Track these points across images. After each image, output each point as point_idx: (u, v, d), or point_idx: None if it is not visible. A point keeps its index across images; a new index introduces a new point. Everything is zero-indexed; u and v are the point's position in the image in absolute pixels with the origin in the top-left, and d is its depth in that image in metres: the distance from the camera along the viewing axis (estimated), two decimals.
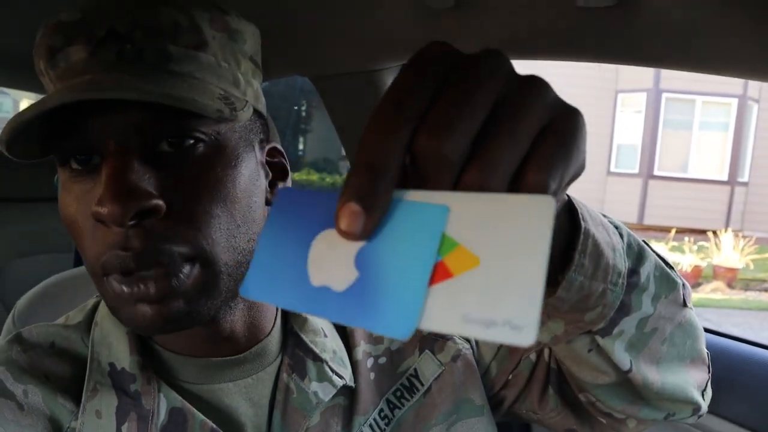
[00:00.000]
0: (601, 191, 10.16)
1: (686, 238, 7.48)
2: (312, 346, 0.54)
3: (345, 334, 0.58)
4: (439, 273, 0.23)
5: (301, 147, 11.76)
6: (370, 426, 0.54)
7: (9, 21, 0.95)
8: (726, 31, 0.63)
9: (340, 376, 0.54)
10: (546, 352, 0.58)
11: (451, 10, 0.74)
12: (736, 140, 9.77)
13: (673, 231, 7.74)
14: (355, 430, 0.53)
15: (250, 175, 0.48)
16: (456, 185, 0.25)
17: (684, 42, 0.67)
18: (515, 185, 0.25)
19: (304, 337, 0.54)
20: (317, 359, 0.54)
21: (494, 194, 0.24)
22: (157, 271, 0.43)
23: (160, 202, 0.42)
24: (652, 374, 0.46)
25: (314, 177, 10.19)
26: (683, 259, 6.88)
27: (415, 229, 0.24)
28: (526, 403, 0.60)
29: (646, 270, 0.43)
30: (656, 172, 9.96)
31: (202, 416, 0.49)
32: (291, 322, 0.55)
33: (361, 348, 0.57)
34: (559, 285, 0.37)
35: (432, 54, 0.26)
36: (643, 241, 0.46)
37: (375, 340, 0.58)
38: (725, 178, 9.84)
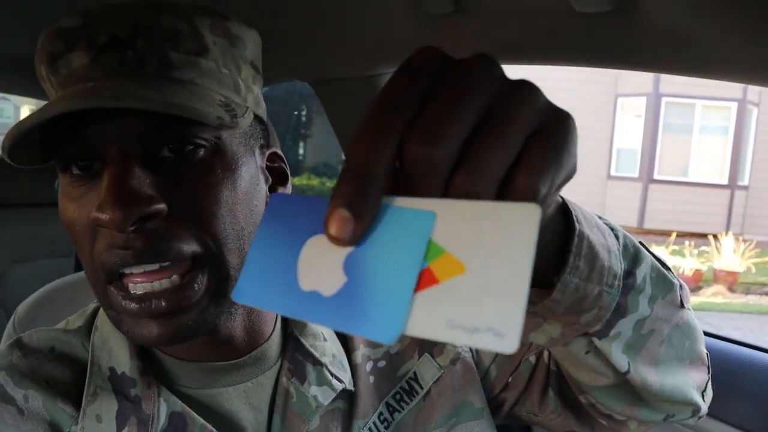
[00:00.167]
0: (602, 195, 10.16)
1: (687, 242, 7.47)
2: (312, 350, 0.54)
3: (344, 337, 0.58)
4: (425, 279, 0.23)
5: (301, 152, 11.77)
6: (370, 429, 0.54)
7: (10, 26, 0.96)
8: (724, 36, 0.63)
9: (340, 380, 0.54)
10: (545, 354, 0.58)
11: (450, 15, 0.75)
12: (736, 144, 9.77)
13: (674, 235, 7.74)
14: None
15: (250, 179, 0.48)
16: (445, 190, 0.25)
17: (682, 46, 0.67)
18: (505, 189, 0.25)
19: (303, 341, 0.54)
20: (317, 363, 0.54)
21: (481, 202, 0.24)
22: (162, 283, 0.43)
23: (162, 206, 0.42)
24: (650, 375, 0.46)
25: (314, 182, 10.19)
26: (684, 263, 6.88)
27: (402, 234, 0.24)
28: (527, 405, 0.60)
29: (643, 271, 0.43)
30: (656, 176, 9.95)
31: (202, 420, 0.49)
32: (291, 327, 0.55)
33: (361, 351, 0.57)
34: (554, 287, 0.37)
35: (422, 59, 0.26)
36: (640, 242, 0.46)
37: (374, 343, 0.58)
38: (725, 181, 9.84)
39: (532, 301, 0.39)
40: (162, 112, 0.40)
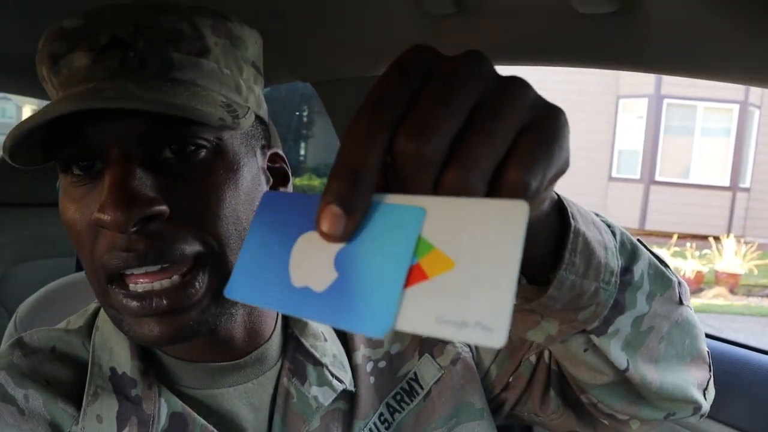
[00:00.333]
0: (603, 196, 10.15)
1: (688, 244, 7.46)
2: (312, 350, 0.54)
3: (345, 338, 0.58)
4: (415, 275, 0.23)
5: (302, 152, 11.77)
6: (370, 430, 0.54)
7: (12, 26, 0.96)
8: (726, 37, 0.63)
9: (340, 380, 0.54)
10: (546, 353, 0.58)
11: (452, 16, 0.75)
12: (737, 146, 9.76)
13: (675, 236, 7.73)
14: None
15: (252, 179, 0.48)
16: (436, 187, 0.25)
17: (685, 48, 0.67)
18: (495, 184, 0.25)
19: (304, 341, 0.54)
20: (317, 363, 0.54)
21: (471, 199, 0.24)
22: (162, 283, 0.43)
23: (164, 207, 0.42)
24: (650, 373, 0.46)
25: (316, 182, 10.20)
26: (685, 264, 6.87)
27: (392, 231, 0.24)
28: (528, 406, 0.60)
29: (640, 268, 0.43)
30: (658, 178, 9.95)
31: (202, 421, 0.49)
32: (291, 327, 0.55)
33: (361, 352, 0.57)
34: (551, 284, 0.37)
35: (412, 57, 0.27)
36: (638, 240, 0.45)
37: (374, 344, 0.58)
38: (727, 183, 9.83)
39: (528, 298, 0.39)
40: (163, 113, 0.39)
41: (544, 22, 0.72)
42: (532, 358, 0.58)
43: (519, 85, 0.26)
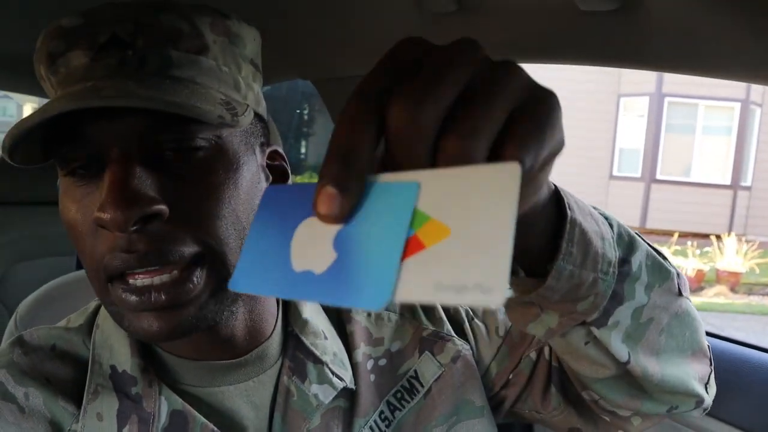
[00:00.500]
0: (604, 195, 10.14)
1: (689, 243, 7.46)
2: (312, 348, 0.54)
3: (345, 336, 0.58)
4: (412, 246, 0.24)
5: (303, 150, 11.78)
6: (371, 428, 0.54)
7: (13, 25, 0.96)
8: (728, 35, 0.63)
9: (341, 378, 0.53)
10: (546, 350, 0.58)
11: (453, 13, 0.74)
12: (739, 144, 9.75)
13: (676, 235, 7.72)
14: None
15: (251, 178, 0.48)
16: (434, 157, 0.25)
17: (686, 45, 0.67)
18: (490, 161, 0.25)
19: (304, 339, 0.54)
20: (317, 362, 0.53)
21: (463, 167, 0.24)
22: (163, 276, 0.43)
23: (163, 207, 0.42)
24: (651, 366, 0.46)
25: (316, 180, 10.18)
26: (686, 263, 6.86)
27: (387, 207, 0.25)
28: (529, 403, 0.60)
29: (638, 259, 0.43)
30: (659, 176, 9.94)
31: (203, 419, 0.49)
32: (291, 325, 0.55)
33: (361, 350, 0.57)
34: (549, 274, 0.37)
35: (404, 47, 0.27)
36: (636, 233, 0.46)
37: (375, 342, 0.58)
38: (728, 182, 9.82)
39: (527, 290, 0.39)
40: (162, 110, 0.39)
41: (545, 19, 0.71)
42: (533, 355, 0.58)
43: (512, 66, 0.27)
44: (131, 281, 0.43)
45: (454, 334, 0.60)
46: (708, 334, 0.83)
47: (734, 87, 9.26)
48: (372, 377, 0.57)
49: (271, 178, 0.53)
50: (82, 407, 0.49)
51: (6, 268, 1.52)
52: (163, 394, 0.49)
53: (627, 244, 0.43)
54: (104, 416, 0.49)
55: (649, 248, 0.46)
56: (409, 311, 0.61)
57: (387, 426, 0.55)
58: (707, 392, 0.51)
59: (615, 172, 10.34)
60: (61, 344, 0.53)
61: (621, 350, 0.44)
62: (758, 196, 9.92)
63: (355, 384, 0.55)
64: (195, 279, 0.44)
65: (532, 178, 0.26)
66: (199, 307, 0.44)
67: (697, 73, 0.73)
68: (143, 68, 0.43)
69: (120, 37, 0.43)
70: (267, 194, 0.29)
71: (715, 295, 6.53)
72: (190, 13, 0.46)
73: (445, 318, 0.60)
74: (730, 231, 8.79)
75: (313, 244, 0.26)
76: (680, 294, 0.47)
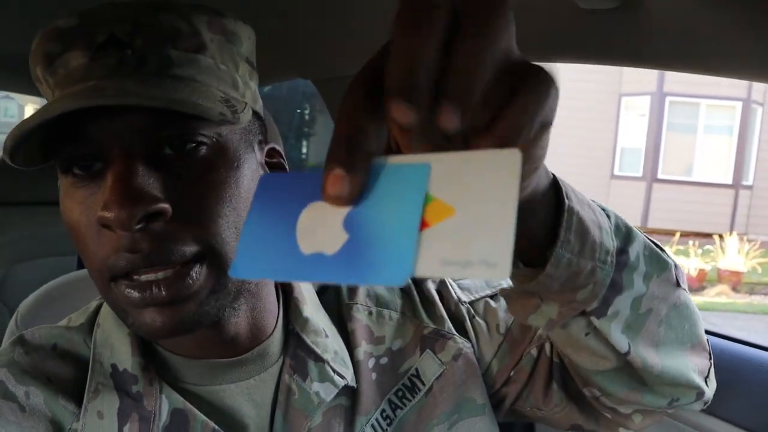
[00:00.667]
0: (605, 194, 10.13)
1: (691, 242, 7.45)
2: (313, 346, 0.54)
3: (346, 334, 0.58)
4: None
5: (304, 150, 11.78)
6: (372, 426, 0.54)
7: (13, 25, 0.96)
8: (729, 32, 0.63)
9: (342, 376, 0.53)
10: (547, 346, 0.58)
11: None
12: (740, 144, 9.73)
13: (678, 234, 7.71)
14: (358, 430, 0.53)
15: (251, 175, 0.48)
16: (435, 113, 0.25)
17: (686, 43, 0.67)
18: (485, 131, 0.26)
19: (305, 337, 0.54)
20: (318, 360, 0.53)
21: (465, 152, 0.25)
22: (167, 272, 0.43)
23: (166, 206, 0.42)
24: (651, 357, 0.46)
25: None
26: (688, 262, 6.86)
27: (400, 187, 0.26)
28: (530, 400, 0.60)
29: (635, 249, 0.44)
30: (660, 176, 9.92)
31: (203, 417, 0.49)
32: (292, 323, 0.55)
33: (363, 348, 0.57)
34: (548, 262, 0.38)
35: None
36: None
37: (376, 340, 0.58)
38: (730, 181, 9.81)
39: (528, 278, 0.40)
40: (165, 108, 0.39)
41: (545, 18, 0.71)
42: (533, 352, 0.58)
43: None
44: (135, 278, 0.43)
45: (455, 332, 0.60)
46: (708, 332, 0.83)
47: (736, 86, 9.24)
48: (373, 375, 0.56)
49: None
50: (83, 406, 0.49)
51: (7, 269, 1.52)
52: (163, 392, 0.49)
53: (624, 234, 0.44)
54: (105, 414, 0.49)
55: (647, 240, 0.46)
56: (410, 309, 0.61)
57: (389, 424, 0.55)
58: (707, 386, 0.52)
59: (616, 172, 10.33)
60: (62, 343, 0.53)
61: (621, 341, 0.44)
62: (760, 195, 9.91)
63: (357, 382, 0.55)
64: (194, 275, 0.44)
65: (528, 142, 0.27)
66: (200, 303, 0.44)
67: (697, 71, 0.73)
68: (143, 67, 0.43)
69: (118, 37, 0.43)
70: (263, 182, 0.30)
71: (717, 295, 6.53)
72: (188, 13, 0.46)
73: (446, 316, 0.60)
74: (731, 230, 8.78)
75: (320, 227, 0.27)
76: (678, 285, 0.47)
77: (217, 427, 0.49)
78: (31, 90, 1.56)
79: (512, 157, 0.24)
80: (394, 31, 0.25)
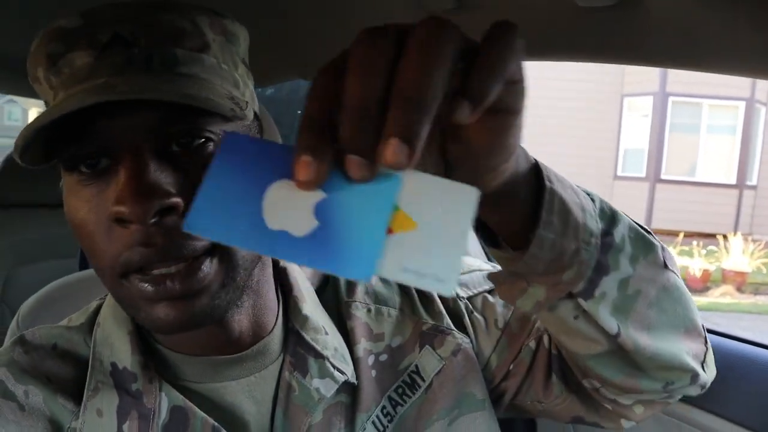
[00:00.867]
0: (608, 195, 10.11)
1: (695, 242, 7.43)
2: (313, 343, 0.54)
3: (345, 331, 0.58)
4: None
5: None
6: (373, 423, 0.54)
7: (19, 29, 0.96)
8: (728, 30, 0.63)
9: (342, 372, 0.53)
10: (546, 338, 0.58)
11: (452, 11, 0.75)
12: (744, 143, 9.70)
13: (681, 235, 7.69)
14: (358, 427, 0.54)
15: None
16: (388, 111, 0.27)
17: (686, 40, 0.67)
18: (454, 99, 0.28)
19: (305, 335, 0.54)
20: (318, 356, 0.54)
21: (434, 177, 0.29)
22: (179, 266, 0.43)
23: (179, 200, 0.42)
24: (643, 339, 0.46)
25: None
26: (692, 263, 6.84)
27: (372, 192, 0.28)
28: (531, 393, 0.60)
29: (621, 231, 0.44)
30: (663, 176, 9.90)
31: (203, 414, 0.49)
32: (292, 321, 0.55)
33: (362, 345, 0.57)
34: (531, 243, 0.39)
35: (366, 31, 0.29)
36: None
37: (375, 337, 0.58)
38: (733, 181, 9.78)
39: (513, 260, 0.41)
40: (180, 103, 0.40)
41: (544, 16, 0.71)
42: (532, 344, 0.59)
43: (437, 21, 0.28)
44: (148, 272, 0.43)
45: (454, 328, 0.60)
46: (711, 332, 0.83)
47: (739, 86, 9.23)
48: (373, 373, 0.57)
49: None
50: (82, 404, 0.49)
51: (9, 271, 1.52)
52: (163, 390, 0.50)
53: (609, 217, 0.45)
54: (104, 412, 0.49)
55: (633, 222, 0.47)
56: (408, 306, 0.61)
57: (389, 421, 0.55)
58: (704, 371, 0.52)
59: (619, 173, 10.31)
60: (62, 343, 0.54)
61: (610, 323, 0.45)
62: (764, 195, 9.88)
63: (357, 379, 0.55)
64: (205, 268, 0.44)
65: (495, 101, 0.29)
66: (211, 296, 0.45)
67: (697, 69, 0.73)
68: (150, 66, 0.44)
69: (123, 36, 0.43)
70: (227, 141, 0.30)
71: (722, 295, 6.50)
72: (190, 13, 0.46)
73: (444, 312, 0.60)
74: (735, 230, 8.75)
75: (290, 208, 0.28)
76: (666, 267, 0.48)
77: (216, 424, 0.49)
78: (35, 93, 1.57)
79: (471, 193, 0.28)
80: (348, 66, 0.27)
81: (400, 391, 0.57)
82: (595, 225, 0.42)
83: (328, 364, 0.53)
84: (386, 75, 0.27)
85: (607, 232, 0.44)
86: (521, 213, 0.40)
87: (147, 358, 0.51)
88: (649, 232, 0.48)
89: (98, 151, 0.44)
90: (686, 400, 0.83)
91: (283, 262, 0.59)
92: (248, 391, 0.52)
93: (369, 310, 0.59)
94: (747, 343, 0.85)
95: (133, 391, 0.49)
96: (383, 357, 0.58)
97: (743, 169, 9.74)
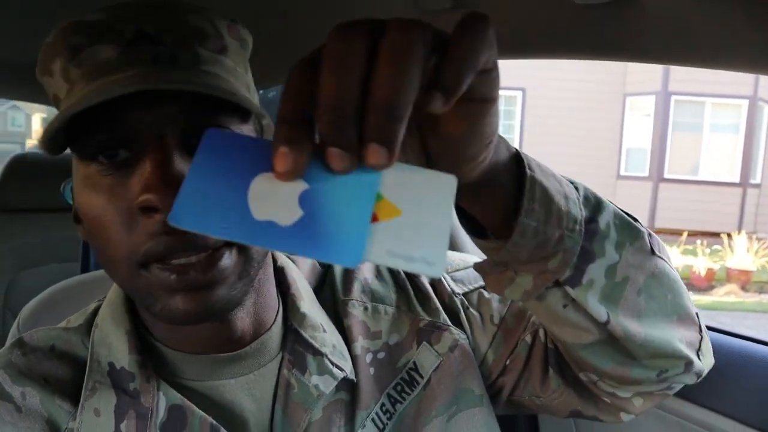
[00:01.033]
0: (611, 195, 10.09)
1: (698, 241, 7.41)
2: (311, 341, 0.54)
3: (343, 329, 0.58)
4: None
5: None
6: (373, 420, 0.54)
7: (24, 35, 0.96)
8: (727, 25, 0.63)
9: (341, 369, 0.54)
10: (541, 332, 0.58)
11: (449, 10, 0.74)
12: (747, 142, 9.68)
13: (685, 234, 7.68)
14: (358, 425, 0.54)
15: None
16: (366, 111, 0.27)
17: (683, 36, 0.67)
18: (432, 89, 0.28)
19: (303, 332, 0.54)
20: (317, 353, 0.54)
21: (415, 167, 0.30)
22: (199, 256, 0.43)
23: None
24: (633, 326, 0.46)
25: None
26: (696, 262, 6.82)
27: (354, 181, 0.29)
28: (528, 388, 0.60)
29: (605, 218, 0.44)
30: (666, 175, 9.88)
31: (201, 413, 0.49)
32: (290, 319, 0.56)
33: (359, 343, 0.57)
34: (514, 231, 0.40)
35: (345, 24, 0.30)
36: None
37: (373, 335, 0.58)
38: (737, 180, 9.75)
39: (497, 249, 0.42)
40: (194, 99, 0.41)
41: (540, 14, 0.71)
42: (528, 338, 0.59)
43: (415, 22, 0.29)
44: (168, 262, 0.44)
45: (451, 324, 0.60)
46: (711, 329, 0.82)
47: (742, 84, 9.21)
48: (371, 370, 0.57)
49: None
50: (80, 404, 0.50)
51: (11, 275, 1.53)
52: (161, 389, 0.50)
53: (593, 204, 0.45)
54: (102, 412, 0.49)
55: (618, 210, 0.47)
56: (405, 303, 0.61)
57: (389, 418, 0.55)
58: (699, 359, 0.51)
59: (622, 172, 10.30)
60: (60, 344, 0.54)
61: (599, 310, 0.45)
62: None
63: (356, 377, 0.55)
64: (225, 259, 0.45)
65: (471, 88, 0.30)
66: (229, 287, 0.45)
67: (695, 65, 0.73)
68: (176, 63, 0.44)
69: (147, 33, 0.44)
70: (209, 137, 0.30)
71: (726, 294, 6.49)
72: (210, 15, 0.48)
73: (441, 308, 0.60)
74: (740, 229, 8.73)
75: (275, 199, 0.28)
76: (653, 253, 0.47)
77: (215, 422, 0.49)
78: (40, 99, 1.57)
79: (450, 180, 0.30)
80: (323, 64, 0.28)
81: (398, 388, 0.57)
82: (579, 212, 0.42)
83: (327, 361, 0.53)
84: (360, 74, 0.27)
85: (592, 219, 0.44)
86: (503, 202, 0.40)
87: (145, 358, 0.51)
88: (634, 219, 0.48)
89: (120, 142, 0.44)
90: (687, 396, 0.83)
91: (280, 261, 0.59)
92: (247, 389, 0.52)
93: (366, 308, 0.59)
94: (747, 339, 0.84)
95: (131, 390, 0.50)
96: (381, 355, 0.58)
97: (747, 168, 9.72)
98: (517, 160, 0.41)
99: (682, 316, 0.49)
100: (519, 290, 0.44)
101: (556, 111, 9.77)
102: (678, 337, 0.49)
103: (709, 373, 0.54)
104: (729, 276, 6.85)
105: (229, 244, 0.45)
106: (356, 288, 0.61)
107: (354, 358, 0.56)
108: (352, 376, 0.54)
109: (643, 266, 0.46)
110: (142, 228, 0.43)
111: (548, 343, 0.57)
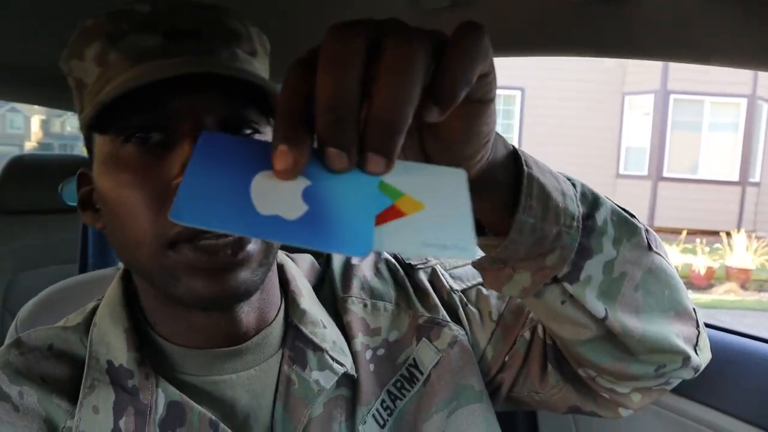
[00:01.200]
0: (611, 194, 10.02)
1: (698, 240, 7.41)
2: (312, 336, 0.54)
3: (343, 325, 0.58)
4: (392, 213, 0.30)
5: None
6: (373, 416, 0.54)
7: (24, 39, 0.96)
8: (725, 21, 0.63)
9: (341, 364, 0.54)
10: (540, 328, 0.58)
11: (448, 9, 0.74)
12: (746, 140, 9.68)
13: (684, 233, 7.68)
14: (359, 421, 0.54)
15: None
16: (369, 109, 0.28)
17: (681, 32, 0.67)
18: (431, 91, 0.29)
19: (303, 328, 0.55)
20: (317, 349, 0.54)
21: (421, 164, 0.32)
22: (226, 239, 0.44)
23: None
24: (631, 322, 0.46)
25: None
26: (696, 260, 6.82)
27: (356, 174, 0.29)
28: (527, 384, 0.60)
29: (603, 214, 0.45)
30: (666, 174, 9.88)
31: (200, 408, 0.49)
32: (291, 316, 0.56)
33: (359, 340, 0.57)
34: (511, 227, 0.40)
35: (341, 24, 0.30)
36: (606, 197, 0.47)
37: (372, 332, 0.58)
38: (736, 178, 9.76)
39: (495, 246, 0.42)
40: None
41: (540, 11, 0.71)
42: (526, 335, 0.59)
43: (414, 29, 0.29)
44: (197, 243, 0.44)
45: (450, 320, 0.60)
46: (709, 326, 0.82)
47: (740, 83, 9.21)
48: (371, 367, 0.57)
49: None
50: (78, 401, 0.50)
51: (11, 277, 1.53)
52: (160, 386, 0.50)
53: (591, 201, 0.45)
54: (100, 409, 0.49)
55: (615, 206, 0.47)
56: (404, 300, 0.61)
57: (389, 415, 0.55)
58: (697, 354, 0.51)
59: (621, 171, 10.30)
60: (58, 343, 0.54)
61: (597, 306, 0.45)
62: (767, 192, 9.85)
63: (356, 372, 0.55)
64: (252, 243, 0.46)
65: (472, 93, 0.30)
66: (252, 271, 0.47)
67: (695, 61, 0.73)
68: (217, 57, 0.47)
69: (188, 29, 0.47)
70: (204, 140, 0.30)
71: (726, 293, 6.49)
72: (243, 19, 0.50)
73: (440, 304, 0.61)
74: (739, 227, 8.74)
75: (278, 195, 0.29)
76: (650, 249, 0.48)
77: (214, 417, 0.49)
78: (39, 101, 1.57)
79: (460, 173, 0.32)
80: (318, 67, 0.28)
81: (398, 385, 0.57)
82: (576, 208, 0.43)
83: (327, 357, 0.54)
84: (358, 74, 0.28)
85: (589, 216, 0.44)
86: (501, 199, 0.41)
87: (144, 355, 0.51)
88: (631, 215, 0.48)
89: (154, 125, 0.45)
90: (685, 393, 0.83)
91: (279, 259, 0.59)
92: (248, 385, 0.52)
93: (365, 305, 0.60)
94: (746, 337, 0.84)
95: (130, 387, 0.50)
96: (381, 351, 0.58)
97: (746, 166, 9.72)
98: (514, 157, 0.41)
99: (680, 312, 0.50)
100: (517, 287, 0.44)
101: (555, 110, 9.78)
102: (675, 332, 0.49)
103: (707, 369, 0.54)
104: (728, 274, 6.86)
105: None
106: (355, 285, 0.61)
107: (354, 355, 0.56)
108: (352, 372, 0.54)
109: (641, 262, 0.46)
110: None
111: (547, 339, 0.57)
